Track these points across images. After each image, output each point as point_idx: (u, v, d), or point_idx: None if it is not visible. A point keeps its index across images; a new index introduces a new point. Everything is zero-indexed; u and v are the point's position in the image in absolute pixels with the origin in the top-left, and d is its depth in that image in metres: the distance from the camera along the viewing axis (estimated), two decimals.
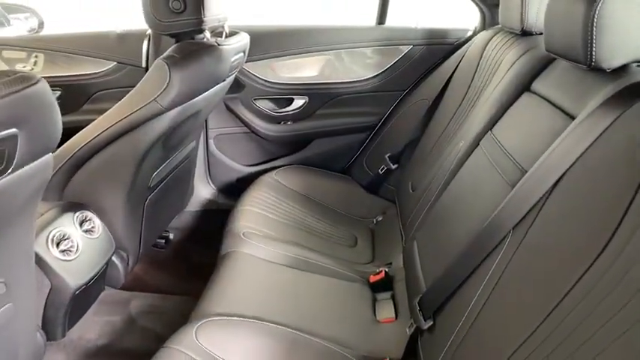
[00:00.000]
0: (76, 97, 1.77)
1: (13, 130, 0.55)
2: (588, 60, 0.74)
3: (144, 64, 1.69)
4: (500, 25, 1.42)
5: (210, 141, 1.85)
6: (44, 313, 1.01)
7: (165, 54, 1.13)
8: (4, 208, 0.64)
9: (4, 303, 0.76)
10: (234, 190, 1.71)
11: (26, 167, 0.63)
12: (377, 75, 1.83)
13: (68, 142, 1.14)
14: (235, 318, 0.99)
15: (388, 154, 1.73)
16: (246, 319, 0.99)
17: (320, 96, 1.82)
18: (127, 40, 1.73)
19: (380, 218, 1.64)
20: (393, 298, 1.18)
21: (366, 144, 1.87)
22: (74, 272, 1.04)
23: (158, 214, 1.43)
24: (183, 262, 1.68)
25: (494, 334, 0.71)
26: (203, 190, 1.89)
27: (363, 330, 1.07)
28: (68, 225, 1.08)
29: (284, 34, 1.80)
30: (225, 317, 0.99)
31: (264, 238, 1.31)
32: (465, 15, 1.84)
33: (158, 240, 1.63)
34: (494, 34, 1.43)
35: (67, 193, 1.17)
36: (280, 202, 1.54)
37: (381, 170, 1.75)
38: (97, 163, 1.14)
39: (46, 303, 1.01)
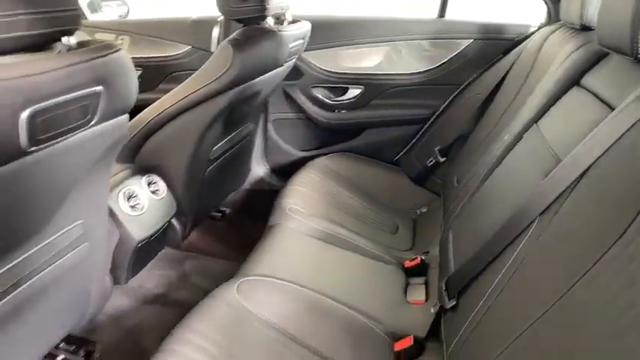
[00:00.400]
0: (153, 76, 1.96)
1: (99, 87, 0.67)
2: (635, 51, 0.73)
3: (213, 49, 1.84)
4: (562, 21, 1.39)
5: (269, 125, 1.97)
6: (113, 260, 1.16)
7: (229, 37, 1.24)
8: (86, 157, 0.77)
9: (81, 242, 0.90)
10: (287, 172, 1.81)
11: (105, 123, 0.75)
12: (433, 68, 1.84)
13: (141, 114, 1.30)
14: (273, 279, 1.08)
15: (438, 147, 1.74)
16: (283, 281, 1.08)
17: (375, 86, 1.87)
18: (200, 26, 1.88)
19: (424, 210, 1.66)
20: (425, 284, 1.21)
21: (417, 136, 1.89)
22: (139, 226, 1.19)
23: (216, 186, 1.56)
24: (235, 234, 1.81)
25: (509, 314, 0.73)
26: (259, 170, 2.01)
27: (393, 308, 1.12)
28: (137, 185, 1.23)
29: (344, 24, 1.86)
30: (264, 277, 1.08)
31: (308, 215, 1.39)
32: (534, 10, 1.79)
33: (215, 213, 1.78)
34: (556, 30, 1.40)
35: (139, 158, 1.32)
36: (327, 185, 1.61)
37: (430, 163, 1.76)
38: (165, 133, 1.28)
39: (114, 251, 1.16)
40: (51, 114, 0.62)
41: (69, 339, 1.19)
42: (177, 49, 1.94)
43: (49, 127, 0.64)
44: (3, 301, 0.73)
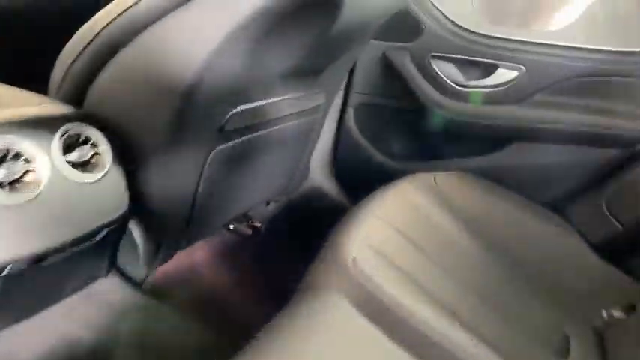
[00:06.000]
0: None
1: None
2: None
3: None
4: None
5: (350, 109, 1.25)
6: None
7: None
8: None
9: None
10: (364, 188, 1.09)
11: None
12: None
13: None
14: None
15: None
16: None
17: (549, 69, 1.08)
18: None
19: (618, 314, 0.86)
20: None
21: (622, 170, 1.05)
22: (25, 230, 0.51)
23: (235, 183, 0.87)
24: (266, 267, 1.17)
25: None
26: (320, 177, 1.32)
27: None
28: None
29: None
30: None
31: (389, 278, 0.69)
32: None
33: (236, 226, 1.10)
34: None
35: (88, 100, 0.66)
36: (437, 226, 0.89)
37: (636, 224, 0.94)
38: (126, 58, 0.60)
39: None
40: None
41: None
42: None
43: None
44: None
